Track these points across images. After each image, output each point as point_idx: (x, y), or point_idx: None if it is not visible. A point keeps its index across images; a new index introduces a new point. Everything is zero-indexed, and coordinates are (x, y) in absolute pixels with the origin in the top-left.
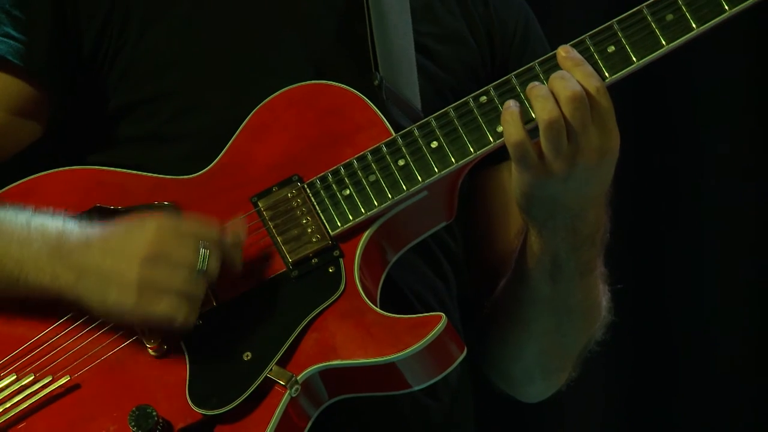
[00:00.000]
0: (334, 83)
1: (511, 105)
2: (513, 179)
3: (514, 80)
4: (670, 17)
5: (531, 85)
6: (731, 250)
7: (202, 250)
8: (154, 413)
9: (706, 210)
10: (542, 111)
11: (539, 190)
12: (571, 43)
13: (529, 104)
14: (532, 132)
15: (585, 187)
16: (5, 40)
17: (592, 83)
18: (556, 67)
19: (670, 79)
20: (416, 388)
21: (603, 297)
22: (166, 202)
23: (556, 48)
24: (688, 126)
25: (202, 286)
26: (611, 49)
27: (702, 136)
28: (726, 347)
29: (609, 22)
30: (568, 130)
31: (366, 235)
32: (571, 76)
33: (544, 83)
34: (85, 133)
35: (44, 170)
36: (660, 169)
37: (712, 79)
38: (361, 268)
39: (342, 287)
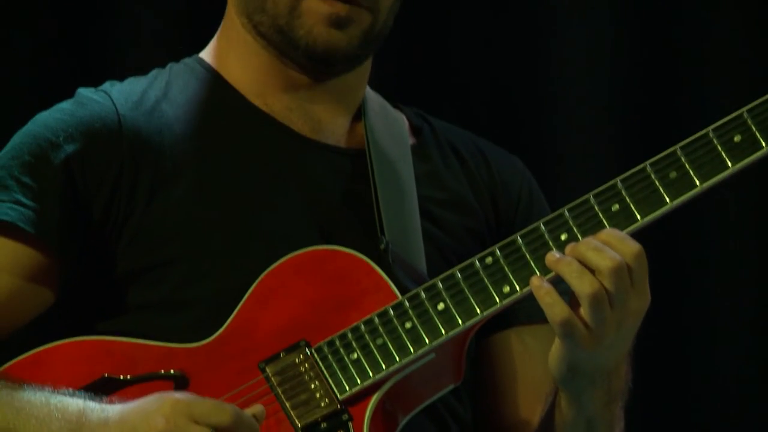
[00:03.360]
0: (339, 248)
1: (543, 284)
2: (556, 355)
3: (519, 241)
4: (673, 175)
5: (554, 259)
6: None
7: None
8: None
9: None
10: (583, 286)
11: (587, 362)
12: (575, 202)
13: (564, 278)
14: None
15: (624, 347)
16: (16, 207)
17: (630, 248)
18: (562, 227)
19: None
20: None
21: None
22: (173, 371)
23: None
24: None
25: None
26: (615, 207)
27: None
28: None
29: (613, 181)
30: (610, 299)
31: (375, 399)
32: (604, 246)
33: (550, 244)
34: (93, 300)
35: (52, 339)
36: None
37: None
38: None
39: None
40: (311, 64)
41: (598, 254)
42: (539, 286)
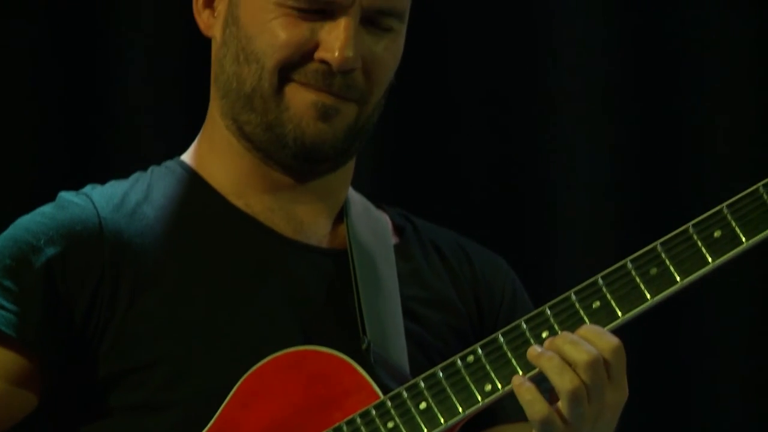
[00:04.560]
0: (321, 348)
1: (524, 382)
2: None
3: (500, 339)
4: (654, 271)
5: (536, 353)
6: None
7: None
8: None
9: None
10: (564, 382)
11: None
12: (556, 299)
13: (545, 373)
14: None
15: None
16: None
17: (608, 343)
18: (543, 324)
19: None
20: None
21: None
22: None
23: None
24: None
25: None
26: (596, 304)
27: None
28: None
29: (593, 278)
30: (587, 393)
31: None
32: (581, 339)
33: (531, 341)
34: (76, 403)
35: None
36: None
37: None
38: None
39: None
40: (297, 163)
41: (575, 348)
42: (520, 384)
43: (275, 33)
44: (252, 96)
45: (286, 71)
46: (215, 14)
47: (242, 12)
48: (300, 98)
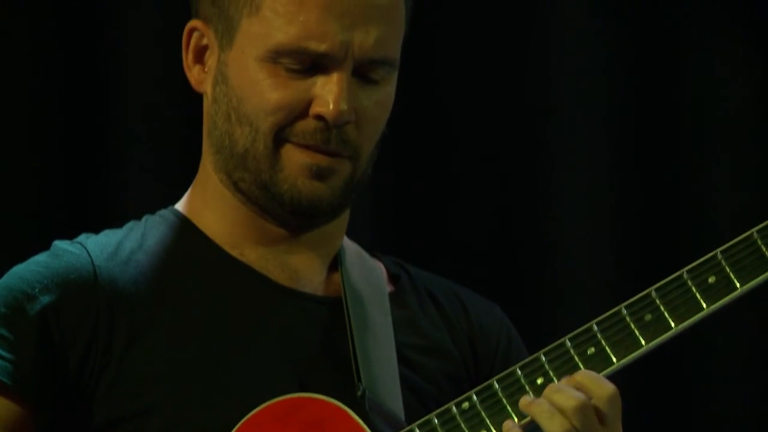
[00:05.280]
0: (316, 396)
1: (514, 427)
2: None
3: (495, 385)
4: (648, 317)
5: (527, 402)
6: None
7: None
8: None
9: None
10: (553, 426)
11: None
12: (551, 346)
13: (535, 420)
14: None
15: None
16: None
17: (603, 390)
18: (538, 370)
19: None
20: None
21: None
22: None
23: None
24: None
25: None
26: (591, 350)
27: None
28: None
29: (588, 324)
30: None
31: None
32: (567, 386)
33: (526, 388)
34: None
35: None
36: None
37: None
38: None
39: None
40: (294, 219)
41: (561, 394)
42: (509, 429)
43: (266, 96)
44: (245, 156)
45: (281, 132)
46: (205, 69)
47: (231, 72)
48: (295, 160)
